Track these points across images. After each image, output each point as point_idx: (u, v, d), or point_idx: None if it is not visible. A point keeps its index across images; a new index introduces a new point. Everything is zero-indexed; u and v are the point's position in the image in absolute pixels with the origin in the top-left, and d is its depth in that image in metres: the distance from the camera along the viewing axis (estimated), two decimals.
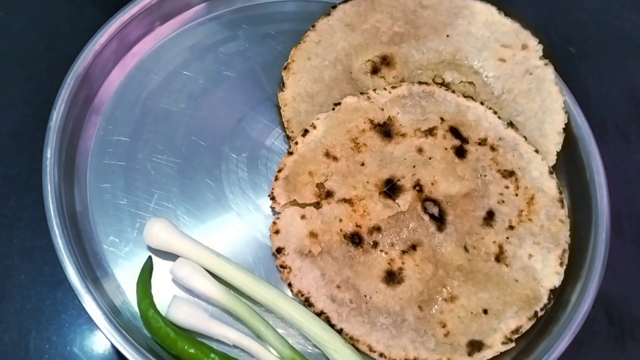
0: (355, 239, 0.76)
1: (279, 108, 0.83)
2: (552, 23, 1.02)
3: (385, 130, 0.81)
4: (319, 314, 0.73)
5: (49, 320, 0.76)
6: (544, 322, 0.76)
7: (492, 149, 0.81)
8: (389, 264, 0.75)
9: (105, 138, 0.81)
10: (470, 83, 0.85)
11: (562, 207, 0.79)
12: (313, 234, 0.75)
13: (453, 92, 0.83)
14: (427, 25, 0.88)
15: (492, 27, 0.87)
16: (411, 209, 0.77)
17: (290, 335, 0.74)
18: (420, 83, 0.83)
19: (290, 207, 0.77)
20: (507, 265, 0.76)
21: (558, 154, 0.83)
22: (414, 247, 0.76)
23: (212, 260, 0.73)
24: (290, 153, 0.79)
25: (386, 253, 0.75)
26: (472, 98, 0.83)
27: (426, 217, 0.77)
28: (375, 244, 0.76)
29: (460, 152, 0.80)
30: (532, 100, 0.84)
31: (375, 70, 0.86)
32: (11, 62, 0.90)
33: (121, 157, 0.80)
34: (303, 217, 0.76)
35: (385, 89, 0.82)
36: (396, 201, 0.77)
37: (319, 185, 0.77)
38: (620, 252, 0.84)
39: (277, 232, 0.76)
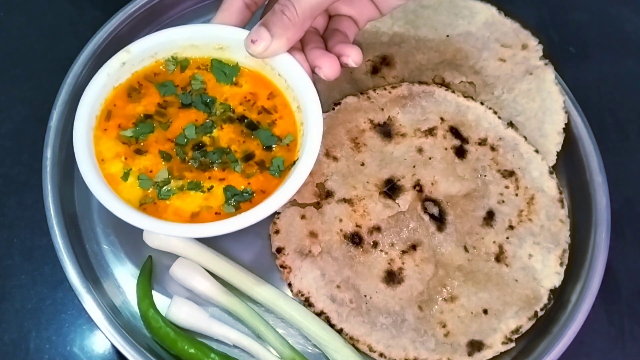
0: (355, 239, 0.76)
1: None
2: (552, 23, 1.02)
3: (385, 130, 0.81)
4: (319, 314, 0.73)
5: (49, 320, 0.76)
6: (544, 322, 0.75)
7: (492, 149, 0.81)
8: (389, 264, 0.75)
9: None
10: (471, 83, 0.85)
11: (562, 207, 0.79)
12: (313, 234, 0.75)
13: (453, 92, 0.83)
14: (427, 25, 0.88)
15: (492, 27, 0.87)
16: (411, 209, 0.77)
17: (290, 335, 0.74)
18: (420, 83, 0.83)
19: (290, 207, 0.77)
20: (507, 265, 0.76)
21: (558, 154, 0.83)
22: (414, 247, 0.76)
23: (212, 260, 0.73)
24: None
25: (386, 253, 0.75)
26: (472, 98, 0.83)
27: (426, 217, 0.77)
28: (375, 244, 0.76)
29: (460, 152, 0.80)
30: (532, 100, 0.84)
31: (375, 70, 0.86)
32: (11, 62, 0.90)
33: None
34: (303, 217, 0.76)
35: (385, 88, 0.82)
36: (396, 201, 0.77)
37: (319, 185, 0.77)
38: (620, 252, 0.84)
39: (277, 232, 0.76)
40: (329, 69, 0.68)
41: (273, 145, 0.70)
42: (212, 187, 0.67)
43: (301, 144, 0.68)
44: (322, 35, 0.74)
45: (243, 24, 0.71)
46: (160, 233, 0.66)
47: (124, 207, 0.64)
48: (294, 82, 0.70)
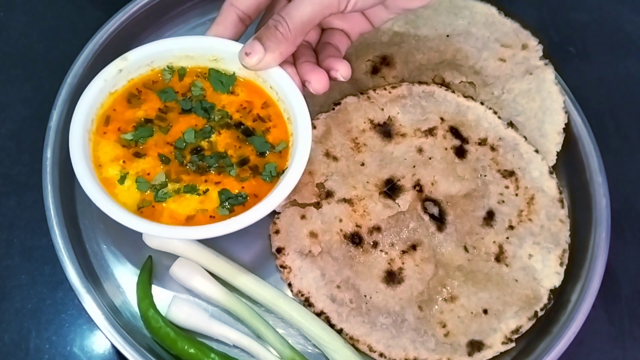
0: (355, 239, 0.76)
1: None
2: (552, 23, 1.02)
3: (385, 130, 0.81)
4: (319, 314, 0.73)
5: (49, 320, 0.76)
6: (544, 322, 0.75)
7: (492, 149, 0.81)
8: (389, 264, 0.75)
9: None
10: (471, 83, 0.85)
11: (562, 207, 0.79)
12: (313, 234, 0.75)
13: (453, 92, 0.83)
14: (427, 25, 0.88)
15: (492, 27, 0.87)
16: (411, 209, 0.77)
17: (291, 335, 0.74)
18: (420, 83, 0.83)
19: (290, 207, 0.77)
20: (507, 265, 0.76)
21: (558, 153, 0.83)
22: (414, 247, 0.76)
23: (212, 260, 0.73)
24: None
25: (386, 253, 0.75)
26: (472, 98, 0.83)
27: (426, 217, 0.77)
28: (375, 244, 0.76)
29: (460, 152, 0.80)
30: (532, 100, 0.84)
31: (375, 70, 0.86)
32: (11, 62, 0.90)
33: None
34: (303, 217, 0.76)
35: (385, 88, 0.82)
36: (396, 201, 0.77)
37: (319, 185, 0.77)
38: (620, 252, 0.84)
39: (277, 232, 0.76)
40: (317, 83, 0.71)
41: (267, 152, 0.72)
42: (207, 190, 0.69)
43: (291, 154, 0.71)
44: (314, 48, 0.77)
45: (237, 37, 0.73)
46: (155, 235, 0.67)
47: (119, 210, 0.66)
48: (285, 95, 0.72)
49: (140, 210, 0.68)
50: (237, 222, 0.66)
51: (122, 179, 0.69)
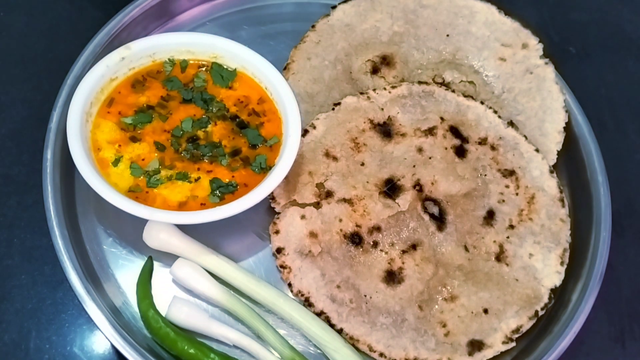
0: (355, 238, 0.76)
1: None
2: (552, 23, 1.02)
3: (385, 130, 0.81)
4: (319, 314, 0.73)
5: (49, 320, 0.76)
6: (545, 322, 0.75)
7: (493, 148, 0.81)
8: (389, 263, 0.75)
9: None
10: (471, 82, 0.85)
11: (563, 206, 0.79)
12: (313, 234, 0.75)
13: (453, 91, 0.83)
14: (427, 25, 0.88)
15: (492, 26, 0.87)
16: (411, 208, 0.77)
17: (292, 335, 0.74)
18: (420, 83, 0.83)
19: (290, 207, 0.77)
20: (507, 265, 0.76)
21: (558, 152, 0.83)
22: (414, 246, 0.76)
23: (212, 260, 0.73)
24: None
25: (386, 253, 0.75)
26: (472, 97, 0.83)
27: (426, 217, 0.77)
28: (375, 244, 0.76)
29: (461, 152, 0.80)
30: (532, 99, 0.84)
31: (375, 70, 0.86)
32: (11, 62, 0.90)
33: None
34: (303, 217, 0.76)
35: (385, 88, 0.82)
36: (396, 201, 0.77)
37: (319, 185, 0.77)
38: (620, 252, 0.84)
39: (277, 232, 0.76)
40: None
41: (258, 144, 0.76)
42: (199, 178, 0.73)
43: (281, 149, 0.75)
44: None
45: None
46: (144, 218, 0.70)
47: (110, 191, 0.69)
48: (279, 96, 0.77)
49: (135, 195, 0.71)
50: (227, 209, 0.69)
51: (116, 162, 0.72)
